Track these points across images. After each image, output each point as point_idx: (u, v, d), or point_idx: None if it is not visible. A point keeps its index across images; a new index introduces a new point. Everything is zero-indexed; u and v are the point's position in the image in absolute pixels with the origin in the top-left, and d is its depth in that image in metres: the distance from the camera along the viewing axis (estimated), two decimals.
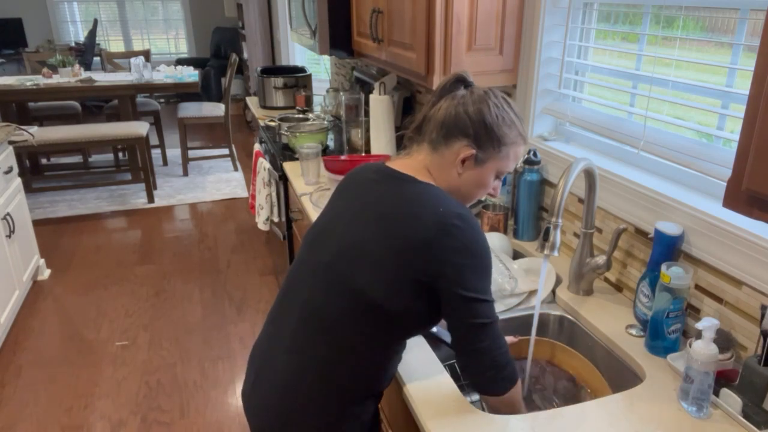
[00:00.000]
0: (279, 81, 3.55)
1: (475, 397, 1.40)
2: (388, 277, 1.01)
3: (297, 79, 3.57)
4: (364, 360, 1.07)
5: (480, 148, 1.09)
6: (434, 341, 1.36)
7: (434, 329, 1.36)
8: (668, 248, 1.26)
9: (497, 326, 1.04)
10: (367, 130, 2.64)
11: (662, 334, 1.22)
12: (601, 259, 1.42)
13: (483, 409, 1.12)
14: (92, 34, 7.05)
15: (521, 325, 1.46)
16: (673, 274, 1.17)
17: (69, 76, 4.88)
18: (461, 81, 1.13)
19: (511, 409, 1.09)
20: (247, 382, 1.18)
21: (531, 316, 1.45)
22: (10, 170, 3.07)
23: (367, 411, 1.13)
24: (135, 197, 4.73)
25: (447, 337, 1.31)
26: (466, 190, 1.14)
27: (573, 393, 1.33)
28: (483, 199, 1.88)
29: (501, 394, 1.06)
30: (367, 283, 1.02)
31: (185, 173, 5.26)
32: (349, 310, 1.04)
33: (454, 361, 1.10)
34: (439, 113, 1.11)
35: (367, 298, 1.02)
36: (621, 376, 1.28)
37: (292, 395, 1.08)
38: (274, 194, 2.74)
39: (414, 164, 1.13)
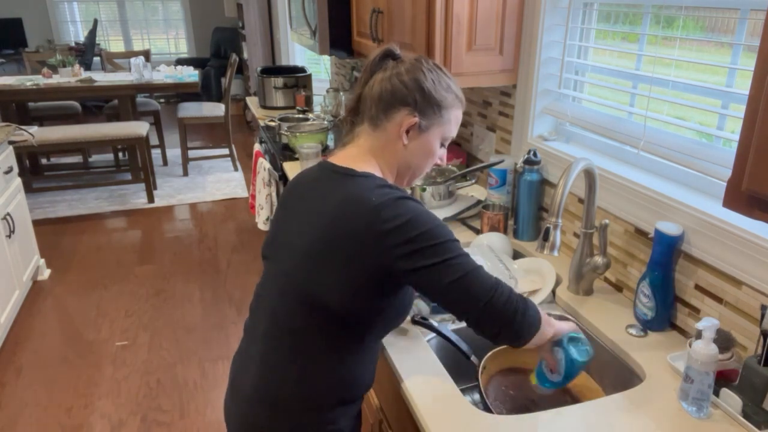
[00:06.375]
0: (279, 81, 3.55)
1: (476, 396, 1.40)
2: (342, 281, 0.99)
3: (297, 79, 3.57)
4: (332, 367, 1.05)
5: (422, 115, 1.07)
6: (445, 341, 1.35)
7: (448, 334, 1.34)
8: (668, 248, 1.26)
9: (481, 272, 0.99)
10: None
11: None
12: (600, 259, 1.42)
13: (483, 409, 1.12)
14: (92, 34, 7.05)
15: None
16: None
17: (69, 76, 4.88)
18: (389, 54, 1.12)
19: (541, 338, 1.07)
20: (227, 390, 1.18)
21: None
22: (10, 170, 3.07)
23: (343, 422, 1.11)
24: (135, 197, 4.73)
25: (462, 344, 1.29)
26: (416, 162, 1.12)
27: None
28: (485, 201, 1.87)
29: (529, 339, 1.03)
30: (325, 290, 1.01)
31: (185, 173, 5.26)
32: (312, 319, 1.03)
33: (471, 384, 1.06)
34: (374, 89, 1.09)
35: (327, 306, 1.01)
36: (621, 376, 1.28)
37: (264, 407, 1.07)
38: (274, 194, 2.73)
39: (355, 152, 1.11)
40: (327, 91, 3.34)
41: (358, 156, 1.10)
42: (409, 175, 1.14)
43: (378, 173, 1.10)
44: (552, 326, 1.09)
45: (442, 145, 1.14)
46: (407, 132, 1.08)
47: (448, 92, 1.09)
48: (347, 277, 0.99)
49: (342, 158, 1.11)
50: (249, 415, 1.09)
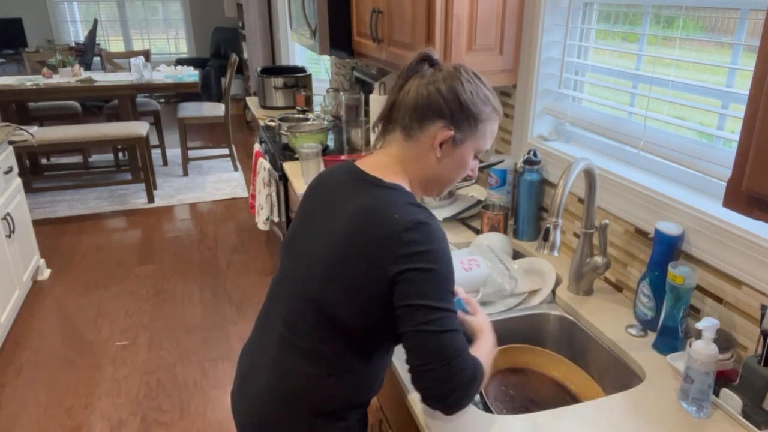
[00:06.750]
0: (279, 81, 3.55)
1: (476, 396, 1.40)
2: (358, 298, 0.98)
3: (297, 79, 3.57)
4: (347, 374, 1.06)
5: (457, 129, 1.04)
6: None
7: None
8: (668, 248, 1.26)
9: (456, 337, 0.94)
10: (367, 130, 2.65)
11: (676, 333, 1.22)
12: (600, 259, 1.42)
13: (483, 409, 1.12)
14: (92, 34, 7.05)
15: (520, 325, 1.46)
16: (684, 274, 1.17)
17: (69, 76, 4.88)
18: (426, 59, 1.07)
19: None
20: (234, 384, 1.18)
21: (530, 316, 1.46)
22: (10, 170, 3.07)
23: (354, 418, 1.11)
24: (135, 197, 4.73)
25: None
26: (447, 175, 1.09)
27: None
28: (480, 198, 1.88)
29: (455, 411, 0.97)
30: (340, 304, 1.00)
31: (185, 173, 5.26)
32: (326, 328, 1.02)
33: None
34: (409, 96, 1.04)
35: (342, 320, 1.00)
36: (621, 376, 1.28)
37: (275, 407, 1.07)
38: (274, 194, 2.74)
39: (385, 161, 1.07)
40: (327, 91, 3.34)
41: (388, 165, 1.06)
42: (439, 186, 1.11)
43: (407, 186, 1.07)
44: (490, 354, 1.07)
45: (475, 157, 1.10)
46: (441, 145, 1.05)
47: (486, 105, 1.05)
48: (359, 291, 0.98)
49: (371, 165, 1.07)
50: (260, 414, 1.09)
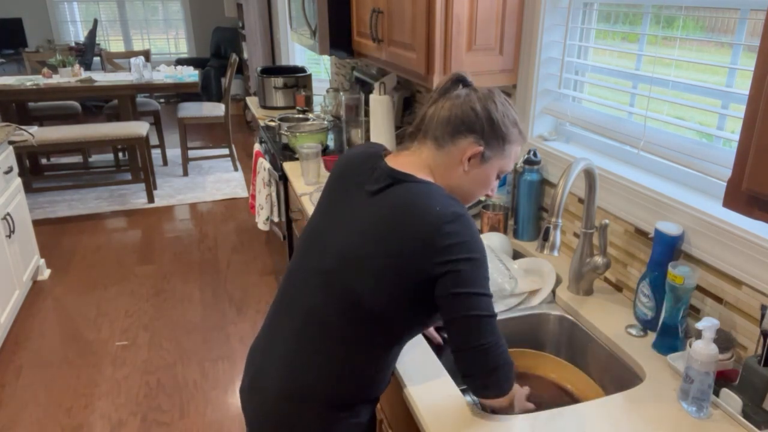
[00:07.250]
0: (279, 81, 3.55)
1: (476, 398, 1.40)
2: (390, 287, 1.01)
3: (297, 79, 3.57)
4: (363, 366, 1.07)
5: (487, 145, 1.09)
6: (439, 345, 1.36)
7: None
8: (668, 248, 1.26)
9: (496, 321, 1.03)
10: (367, 130, 2.64)
11: (676, 333, 1.22)
12: (600, 259, 1.42)
13: (483, 410, 1.12)
14: (92, 34, 7.05)
15: (520, 325, 1.46)
16: (684, 274, 1.17)
17: (69, 76, 4.88)
18: (461, 81, 1.13)
19: (508, 405, 1.08)
20: (244, 381, 1.19)
21: (530, 316, 1.46)
22: (10, 170, 3.07)
23: (364, 415, 1.13)
24: (135, 197, 4.73)
25: None
26: (470, 189, 1.13)
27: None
28: (483, 199, 1.88)
29: (503, 395, 1.05)
30: (370, 293, 1.02)
31: (185, 173, 5.26)
32: (349, 318, 1.04)
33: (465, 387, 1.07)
34: (443, 111, 1.10)
35: (369, 309, 1.02)
36: (621, 376, 1.28)
37: (288, 400, 1.08)
38: (274, 194, 2.74)
39: (416, 161, 1.11)
40: (327, 91, 3.34)
41: (417, 165, 1.10)
42: (460, 199, 1.14)
43: None
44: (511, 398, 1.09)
45: (497, 177, 1.15)
46: (470, 159, 1.09)
47: (515, 127, 1.11)
48: (395, 281, 1.00)
49: (401, 163, 1.11)
50: (273, 407, 1.10)
